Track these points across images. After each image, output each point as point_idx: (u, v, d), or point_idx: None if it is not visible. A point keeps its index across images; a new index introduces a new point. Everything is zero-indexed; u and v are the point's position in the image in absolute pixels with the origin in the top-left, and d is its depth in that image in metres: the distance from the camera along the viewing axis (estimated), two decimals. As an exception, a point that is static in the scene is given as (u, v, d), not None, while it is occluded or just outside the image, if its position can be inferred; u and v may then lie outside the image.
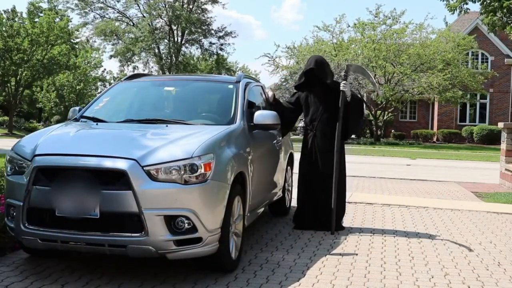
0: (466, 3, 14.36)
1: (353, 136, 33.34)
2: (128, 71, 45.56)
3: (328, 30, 34.28)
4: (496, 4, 12.93)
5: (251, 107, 5.40)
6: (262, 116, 5.10)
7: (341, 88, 5.92)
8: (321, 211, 5.94)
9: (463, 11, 14.71)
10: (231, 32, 46.56)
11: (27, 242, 3.96)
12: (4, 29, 33.12)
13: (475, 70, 33.54)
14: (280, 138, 6.29)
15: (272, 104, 6.18)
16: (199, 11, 45.14)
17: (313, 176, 5.97)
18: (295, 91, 6.42)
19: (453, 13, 14.71)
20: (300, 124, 29.09)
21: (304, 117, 6.26)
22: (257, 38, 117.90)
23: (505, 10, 12.94)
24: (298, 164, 6.23)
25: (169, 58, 45.12)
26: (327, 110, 6.00)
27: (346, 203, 6.32)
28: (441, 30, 34.15)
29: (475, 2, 14.03)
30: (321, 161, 5.94)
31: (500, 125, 11.01)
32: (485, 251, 5.23)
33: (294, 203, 7.32)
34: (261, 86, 6.44)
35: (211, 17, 45.78)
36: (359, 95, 6.01)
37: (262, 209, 5.74)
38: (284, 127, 6.18)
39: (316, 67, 5.99)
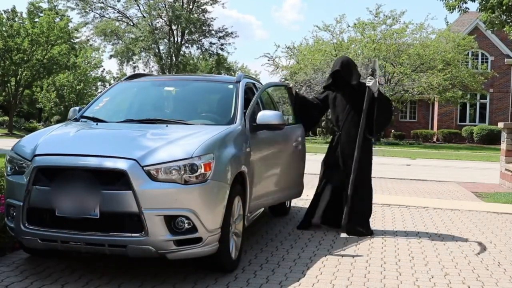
0: (465, 2, 14.25)
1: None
2: (128, 71, 45.61)
3: (328, 30, 34.34)
4: (495, 1, 12.83)
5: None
6: (264, 116, 5.07)
7: (367, 83, 5.91)
8: (338, 210, 5.92)
9: (462, 11, 14.59)
10: (231, 33, 46.57)
11: (27, 242, 3.96)
12: (4, 29, 33.11)
13: (475, 70, 33.53)
14: (300, 139, 6.25)
15: (295, 98, 6.26)
16: (199, 11, 45.15)
17: (334, 175, 5.99)
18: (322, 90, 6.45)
19: (452, 12, 14.59)
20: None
21: (331, 116, 6.29)
22: (257, 38, 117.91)
23: (504, 8, 12.82)
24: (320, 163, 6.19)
25: (169, 58, 45.13)
26: (352, 110, 5.99)
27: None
28: (441, 30, 34.16)
29: (474, 1, 13.92)
30: (344, 161, 5.93)
31: (500, 125, 11.00)
32: (485, 251, 5.23)
33: (294, 203, 7.33)
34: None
35: (212, 18, 45.81)
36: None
37: (262, 209, 5.72)
38: (308, 123, 6.26)
39: (342, 69, 5.99)
